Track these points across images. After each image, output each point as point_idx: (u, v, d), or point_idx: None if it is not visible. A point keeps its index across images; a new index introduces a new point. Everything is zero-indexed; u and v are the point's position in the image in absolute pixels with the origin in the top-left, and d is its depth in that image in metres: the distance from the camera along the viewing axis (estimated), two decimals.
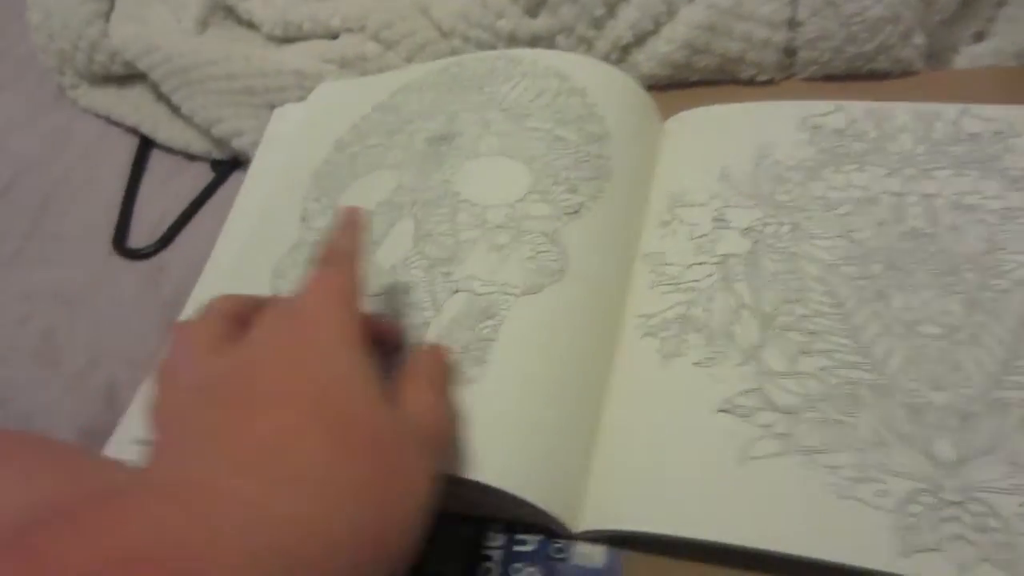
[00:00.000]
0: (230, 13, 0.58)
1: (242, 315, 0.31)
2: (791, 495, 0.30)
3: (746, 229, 0.39)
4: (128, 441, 0.41)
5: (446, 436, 0.31)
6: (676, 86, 0.52)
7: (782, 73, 0.50)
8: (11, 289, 0.52)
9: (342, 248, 0.33)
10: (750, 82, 0.50)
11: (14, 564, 0.19)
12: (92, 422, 0.45)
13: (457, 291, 0.37)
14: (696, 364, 0.35)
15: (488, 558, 0.34)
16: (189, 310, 0.46)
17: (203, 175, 0.57)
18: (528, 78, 0.46)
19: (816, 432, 0.31)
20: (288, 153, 0.51)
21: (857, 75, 0.48)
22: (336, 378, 0.26)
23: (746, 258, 0.38)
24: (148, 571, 0.20)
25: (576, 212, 0.40)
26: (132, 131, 0.60)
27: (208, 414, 0.26)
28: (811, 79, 0.49)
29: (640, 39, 0.51)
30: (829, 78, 0.49)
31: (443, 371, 0.33)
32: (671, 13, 0.49)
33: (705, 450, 0.32)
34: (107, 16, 0.59)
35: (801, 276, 0.37)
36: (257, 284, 0.44)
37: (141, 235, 0.54)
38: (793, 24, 0.48)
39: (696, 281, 0.38)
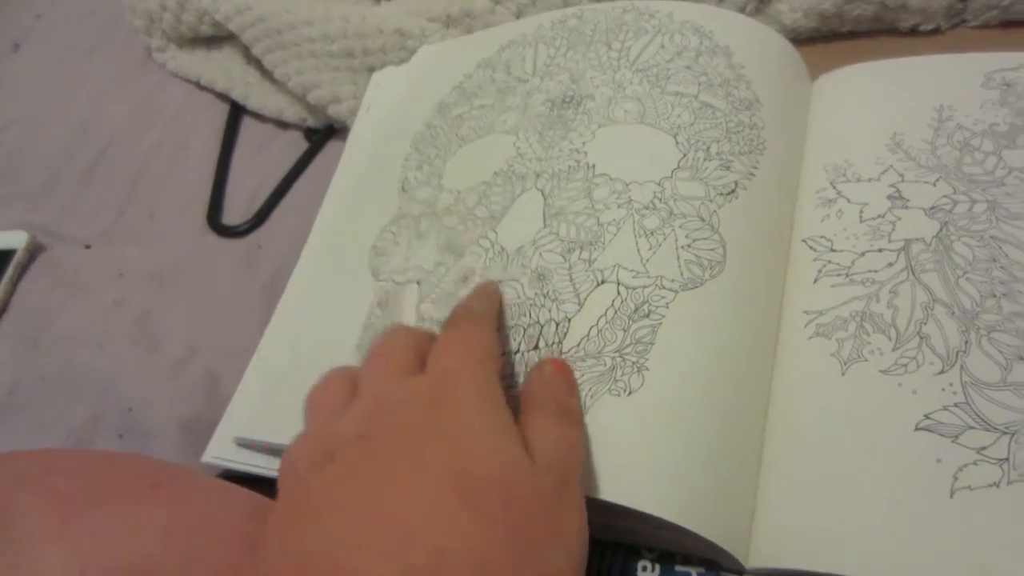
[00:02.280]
0: None
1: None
2: (1018, 535, 0.25)
3: (931, 208, 0.34)
4: (230, 440, 0.38)
5: (579, 461, 0.27)
6: (822, 39, 0.46)
7: (951, 21, 0.43)
8: (106, 267, 0.50)
9: (476, 308, 0.31)
10: (912, 32, 0.44)
11: None
12: (193, 415, 0.43)
13: (603, 282, 0.33)
14: (884, 372, 0.30)
15: None
16: (290, 296, 0.43)
17: (297, 144, 0.53)
18: (663, 34, 0.41)
19: None
20: (388, 120, 0.47)
21: None
22: (474, 443, 0.24)
23: (934, 243, 0.33)
24: None
25: (732, 192, 0.35)
26: (222, 97, 0.57)
27: (334, 485, 0.24)
28: (986, 26, 0.43)
29: None
30: (1008, 24, 0.42)
31: (569, 389, 0.30)
32: None
33: (902, 477, 0.28)
34: None
35: (1006, 265, 0.31)
36: (355, 266, 0.40)
37: (235, 210, 0.51)
38: None
39: (874, 272, 0.33)
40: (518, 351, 0.33)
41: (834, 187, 0.37)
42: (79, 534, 0.24)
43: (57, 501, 0.25)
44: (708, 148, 0.36)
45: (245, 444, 0.38)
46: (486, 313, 0.31)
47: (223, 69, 0.56)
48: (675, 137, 0.37)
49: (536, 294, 0.34)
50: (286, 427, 0.29)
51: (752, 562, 0.28)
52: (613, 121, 0.38)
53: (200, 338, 0.46)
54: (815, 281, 0.34)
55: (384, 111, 0.48)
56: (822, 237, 0.35)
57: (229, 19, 0.52)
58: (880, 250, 0.34)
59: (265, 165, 0.53)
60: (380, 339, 0.30)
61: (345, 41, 0.49)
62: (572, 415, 0.29)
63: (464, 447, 0.24)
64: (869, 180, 0.36)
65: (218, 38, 0.57)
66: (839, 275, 0.34)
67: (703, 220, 0.34)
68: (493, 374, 0.27)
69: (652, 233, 0.34)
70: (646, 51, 0.41)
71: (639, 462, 0.28)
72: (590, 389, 0.30)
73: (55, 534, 0.24)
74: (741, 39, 0.40)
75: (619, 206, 0.35)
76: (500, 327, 0.33)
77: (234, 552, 0.25)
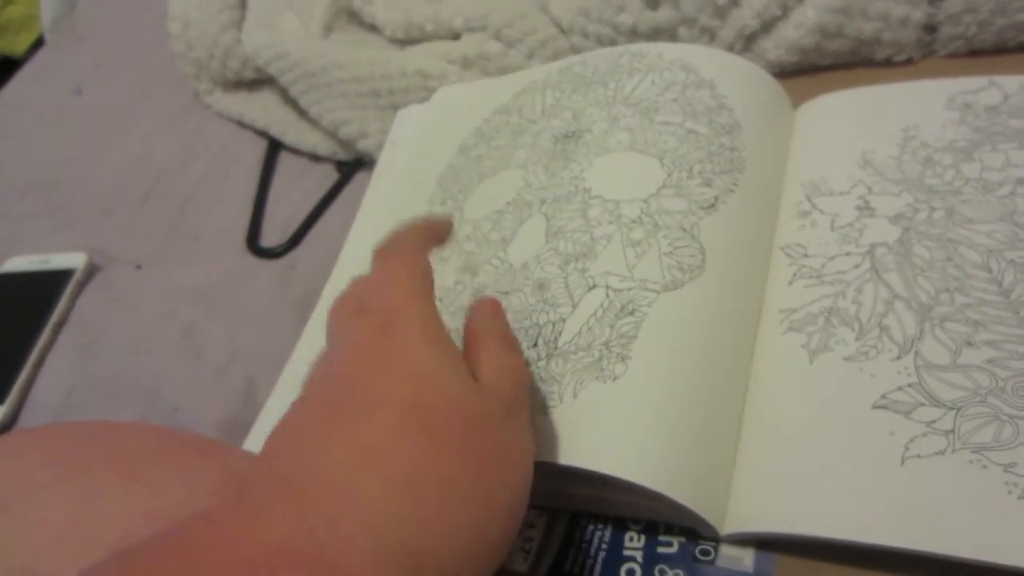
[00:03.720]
0: (354, 17, 0.59)
1: None
2: (961, 495, 0.28)
3: (895, 216, 0.38)
4: (264, 438, 0.42)
5: (524, 386, 0.30)
6: (805, 72, 0.50)
7: (921, 51, 0.47)
8: (155, 286, 0.55)
9: (404, 237, 0.32)
10: (886, 63, 0.48)
11: (167, 567, 0.20)
12: (232, 416, 0.47)
13: (594, 287, 0.37)
14: (847, 359, 0.33)
15: (629, 559, 0.33)
16: (319, 310, 0.48)
17: (328, 176, 0.59)
18: (654, 72, 0.45)
19: (987, 428, 0.29)
20: (412, 156, 0.52)
21: (1006, 49, 0.45)
22: (423, 374, 0.26)
23: (896, 247, 0.36)
24: (295, 571, 0.21)
25: (712, 206, 0.39)
26: (261, 134, 0.62)
27: (315, 419, 0.26)
28: (954, 56, 0.47)
29: (767, 26, 0.49)
30: (974, 53, 0.46)
31: (506, 324, 0.33)
32: None
33: (862, 449, 0.31)
34: (240, 25, 0.61)
35: (960, 263, 0.35)
36: None
37: (272, 235, 0.56)
38: None
39: (842, 273, 0.37)
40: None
41: (810, 201, 0.40)
42: (141, 486, 0.28)
43: (122, 458, 0.29)
44: (691, 168, 0.40)
45: None
46: (413, 238, 0.32)
47: (262, 109, 0.61)
48: (661, 160, 0.41)
49: (537, 300, 0.38)
50: None
51: (727, 528, 0.32)
52: (608, 150, 0.43)
53: (239, 348, 0.50)
54: (790, 283, 0.38)
55: (408, 147, 0.52)
56: (797, 245, 0.39)
57: (269, 64, 0.58)
58: (848, 254, 0.37)
59: (299, 194, 0.58)
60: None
61: (372, 82, 0.54)
62: (513, 343, 0.32)
63: (415, 379, 0.26)
64: (841, 193, 0.40)
65: (259, 81, 0.62)
66: (811, 277, 0.37)
67: (684, 230, 0.38)
68: (431, 303, 0.29)
69: (638, 243, 0.38)
70: (638, 88, 0.45)
71: (622, 436, 0.32)
72: (580, 377, 0.34)
73: (122, 484, 0.27)
74: (725, 73, 0.44)
75: (610, 222, 0.39)
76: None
77: None
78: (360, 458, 0.24)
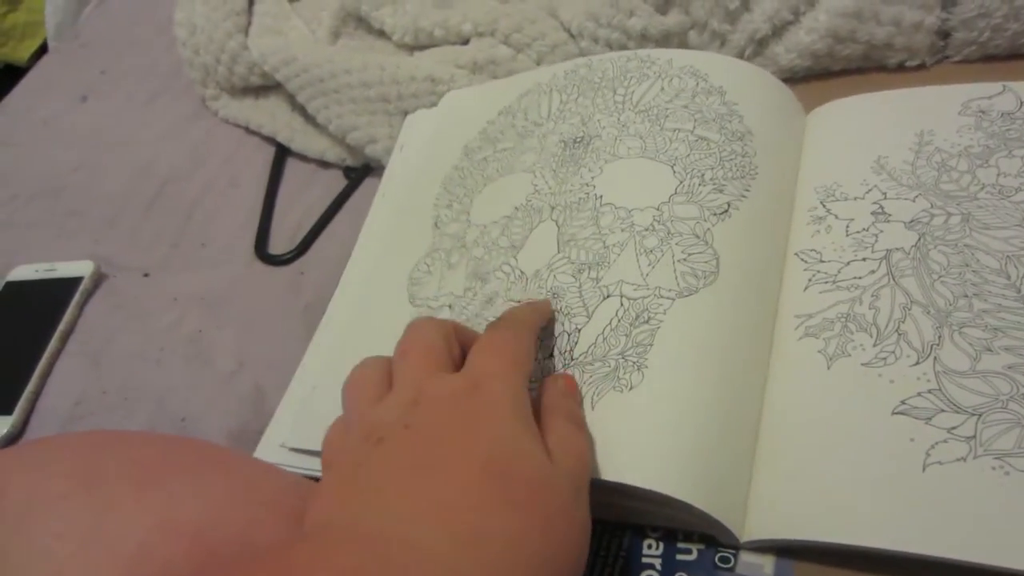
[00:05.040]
0: (361, 23, 0.59)
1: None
2: (984, 502, 0.28)
3: (910, 221, 0.37)
4: (276, 445, 0.42)
5: (588, 465, 0.31)
6: (817, 77, 0.50)
7: (934, 57, 0.47)
8: (162, 293, 0.55)
9: (520, 315, 0.35)
10: (899, 68, 0.48)
11: None
12: (241, 425, 0.46)
13: (608, 296, 0.37)
14: (865, 365, 0.33)
15: (648, 566, 0.33)
16: (330, 316, 0.48)
17: (336, 182, 0.58)
18: (663, 79, 0.45)
19: (1009, 434, 0.29)
20: (419, 160, 0.51)
21: (1019, 54, 0.45)
22: (507, 442, 0.28)
23: (913, 252, 0.36)
24: None
25: (725, 212, 0.39)
26: (269, 140, 0.62)
27: (384, 466, 0.27)
28: (967, 61, 0.47)
29: (778, 31, 0.49)
30: (988, 59, 0.46)
31: (578, 402, 0.34)
32: (811, 2, 0.48)
33: (881, 455, 0.31)
34: (246, 30, 0.61)
35: (978, 269, 0.34)
36: (393, 291, 0.44)
37: (280, 241, 0.56)
38: (947, 3, 0.45)
39: (858, 278, 0.36)
40: (536, 359, 0.36)
41: (824, 206, 0.40)
42: (155, 497, 0.28)
43: (135, 468, 0.28)
44: (703, 175, 0.40)
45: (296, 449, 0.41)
46: (528, 322, 0.35)
47: (270, 115, 0.61)
48: (672, 167, 0.41)
49: (551, 311, 0.38)
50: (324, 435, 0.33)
51: (747, 535, 0.31)
52: (618, 157, 0.42)
53: (248, 355, 0.50)
54: (805, 289, 0.37)
55: (416, 152, 0.52)
56: (812, 250, 0.39)
57: (276, 70, 0.58)
58: (864, 259, 0.37)
59: (308, 200, 0.58)
60: (410, 331, 0.33)
61: (381, 87, 0.54)
62: (580, 422, 0.32)
63: (498, 444, 0.27)
64: (855, 199, 0.40)
65: (266, 87, 0.62)
66: (827, 282, 0.37)
67: (698, 237, 0.37)
68: (525, 379, 0.31)
69: (651, 251, 0.37)
70: (647, 94, 0.45)
71: (641, 446, 0.32)
72: (597, 388, 0.34)
73: (137, 495, 0.27)
74: (735, 80, 0.44)
75: (622, 230, 0.39)
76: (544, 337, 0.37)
77: (286, 521, 0.29)
78: (433, 511, 0.25)
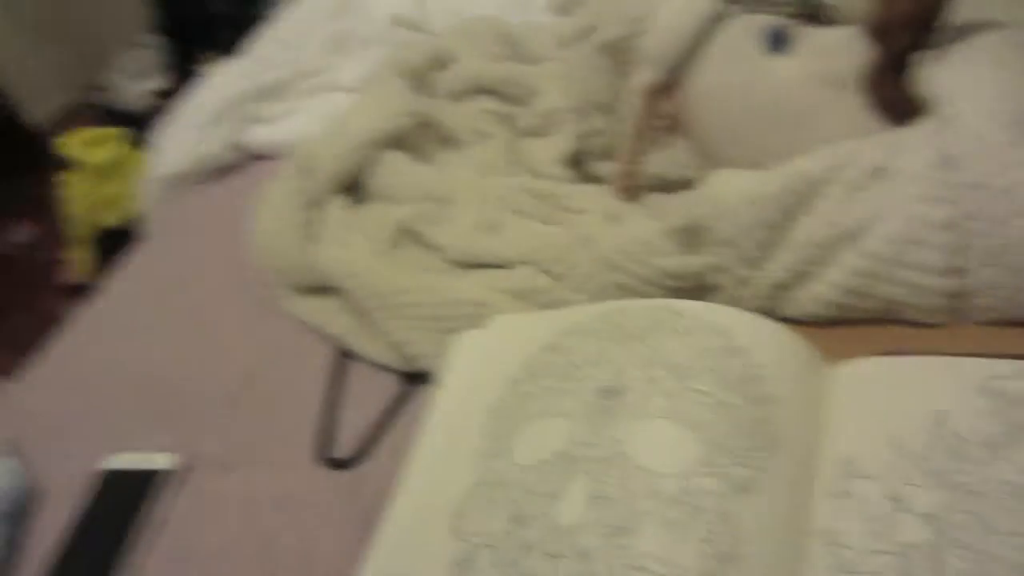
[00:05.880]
0: (418, 238, 0.65)
1: None
2: None
3: (926, 515, 0.39)
4: None
5: None
6: (842, 323, 0.52)
7: (952, 317, 0.49)
8: (235, 494, 0.60)
9: None
10: (920, 323, 0.50)
11: None
12: None
13: (635, 568, 0.40)
14: None
15: None
16: (384, 535, 0.51)
17: (396, 385, 0.63)
18: (691, 335, 0.49)
19: None
20: (467, 382, 0.56)
21: None
22: None
23: (928, 552, 0.38)
24: None
25: (747, 489, 0.41)
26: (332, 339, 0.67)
27: None
28: (989, 323, 0.48)
29: (798, 279, 0.52)
30: (1010, 323, 0.48)
31: None
32: (825, 260, 0.50)
33: None
34: (315, 238, 0.67)
35: None
36: (438, 523, 0.48)
37: (341, 443, 0.61)
38: (961, 271, 0.48)
39: (878, 574, 0.38)
40: None
41: (843, 481, 0.42)
42: None
43: None
44: (724, 444, 0.43)
45: None
46: None
47: (335, 316, 0.67)
48: (696, 433, 0.44)
49: (576, 572, 0.41)
50: None
51: None
52: (647, 414, 0.46)
53: (313, 558, 0.55)
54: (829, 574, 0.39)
55: (464, 373, 0.57)
56: (834, 531, 0.41)
57: (343, 280, 0.64)
58: (883, 552, 0.39)
59: (369, 403, 0.62)
60: None
61: (432, 308, 0.59)
62: None
63: None
64: (874, 478, 0.41)
65: (332, 288, 0.68)
66: (849, 572, 0.39)
67: (721, 516, 0.40)
68: None
69: (674, 524, 0.40)
70: (676, 349, 0.48)
71: None
72: None
73: None
74: (760, 341, 0.47)
75: (649, 497, 0.42)
76: None
77: None
78: None
